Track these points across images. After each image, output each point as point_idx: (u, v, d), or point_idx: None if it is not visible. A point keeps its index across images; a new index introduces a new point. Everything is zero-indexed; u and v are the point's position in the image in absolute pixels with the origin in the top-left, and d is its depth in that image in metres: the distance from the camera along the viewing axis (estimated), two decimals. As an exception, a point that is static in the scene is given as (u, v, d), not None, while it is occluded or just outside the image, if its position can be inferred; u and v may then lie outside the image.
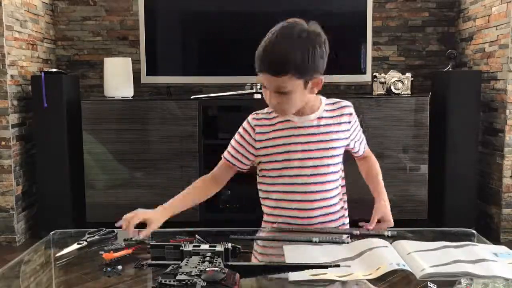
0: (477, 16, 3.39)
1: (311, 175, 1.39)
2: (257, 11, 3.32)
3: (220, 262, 0.95)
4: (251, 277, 1.02)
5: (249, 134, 1.43)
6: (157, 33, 3.35)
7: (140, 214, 1.29)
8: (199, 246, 1.02)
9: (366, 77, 3.30)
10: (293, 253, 1.16)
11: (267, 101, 1.35)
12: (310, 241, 1.24)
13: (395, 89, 3.21)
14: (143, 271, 1.12)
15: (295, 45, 1.24)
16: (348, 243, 1.24)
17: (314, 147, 1.39)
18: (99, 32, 3.72)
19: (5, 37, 2.99)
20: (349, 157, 1.52)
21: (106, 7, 3.71)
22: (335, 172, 1.43)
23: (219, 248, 1.01)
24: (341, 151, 1.44)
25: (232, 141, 1.47)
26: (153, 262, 1.07)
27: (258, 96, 3.15)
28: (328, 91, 3.36)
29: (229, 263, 0.99)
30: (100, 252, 1.19)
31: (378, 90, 3.29)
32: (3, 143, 3.06)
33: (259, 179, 1.48)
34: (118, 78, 3.29)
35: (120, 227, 1.26)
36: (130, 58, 3.38)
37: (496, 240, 3.01)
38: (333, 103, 1.45)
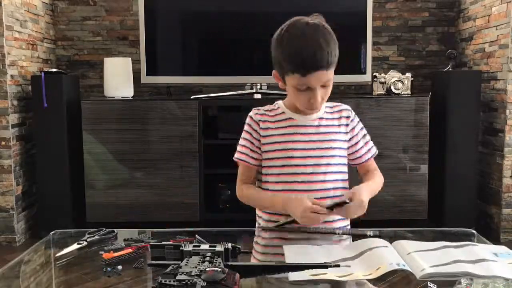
0: (477, 16, 3.39)
1: (311, 173, 1.40)
2: (257, 11, 3.32)
3: (220, 262, 0.95)
4: (251, 277, 1.02)
5: (255, 130, 1.44)
6: (157, 33, 3.34)
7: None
8: (199, 246, 1.02)
9: (366, 77, 3.30)
10: (293, 253, 1.16)
11: (303, 102, 1.34)
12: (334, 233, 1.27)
13: (395, 89, 3.21)
14: (143, 271, 1.12)
15: (330, 37, 1.31)
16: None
17: (314, 146, 1.40)
18: (99, 32, 3.72)
19: (5, 37, 2.99)
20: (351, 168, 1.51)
21: (106, 7, 3.71)
22: (335, 172, 1.43)
23: (219, 248, 1.01)
24: (341, 153, 1.44)
25: (241, 141, 1.47)
26: (153, 262, 1.07)
27: (258, 96, 3.15)
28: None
29: (229, 263, 0.99)
30: (100, 252, 1.19)
31: (378, 90, 3.29)
32: (3, 143, 3.06)
33: (259, 177, 1.48)
34: (118, 78, 3.29)
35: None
36: (130, 58, 3.39)
37: (496, 240, 3.01)
38: (332, 106, 1.47)
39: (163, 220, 3.00)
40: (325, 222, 1.41)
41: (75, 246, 1.26)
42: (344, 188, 1.45)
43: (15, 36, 3.12)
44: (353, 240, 1.30)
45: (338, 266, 1.03)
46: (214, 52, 3.38)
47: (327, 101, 1.45)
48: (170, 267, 0.94)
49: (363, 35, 3.24)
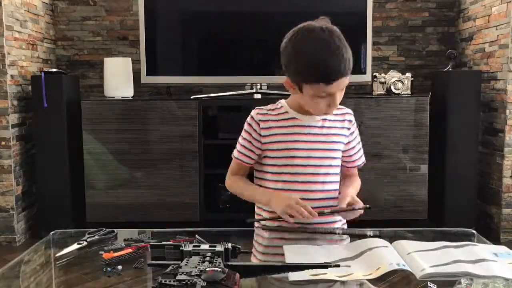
0: (477, 16, 3.39)
1: (312, 174, 1.40)
2: (257, 11, 3.31)
3: (220, 262, 0.95)
4: (251, 277, 1.02)
5: (254, 130, 1.43)
6: (157, 33, 3.34)
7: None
8: (199, 246, 1.02)
9: (366, 77, 3.30)
10: (293, 253, 1.16)
11: (322, 108, 1.34)
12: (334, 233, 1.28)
13: (395, 89, 3.21)
14: (143, 271, 1.12)
15: (345, 43, 1.30)
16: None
17: (316, 146, 1.40)
18: (99, 32, 3.72)
19: (5, 37, 2.99)
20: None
21: (106, 7, 3.71)
22: (335, 174, 1.44)
23: (219, 248, 1.01)
24: (341, 155, 1.46)
25: (240, 139, 1.47)
26: (153, 262, 1.07)
27: (258, 96, 3.15)
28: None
29: (229, 263, 0.99)
30: (100, 252, 1.19)
31: (378, 90, 3.29)
32: (3, 143, 3.06)
33: (259, 175, 1.48)
34: (118, 78, 3.29)
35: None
36: (130, 58, 3.39)
37: (496, 240, 3.01)
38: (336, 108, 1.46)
39: (163, 220, 3.00)
40: (321, 223, 1.41)
41: (75, 246, 1.26)
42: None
43: (15, 36, 3.12)
44: (352, 240, 1.30)
45: (338, 266, 1.03)
46: (214, 52, 3.38)
47: None
48: (170, 267, 0.94)
49: (363, 35, 3.24)
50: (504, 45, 3.05)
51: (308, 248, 1.20)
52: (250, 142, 1.44)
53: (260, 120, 1.43)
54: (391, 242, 1.20)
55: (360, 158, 1.52)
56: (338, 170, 1.45)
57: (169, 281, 0.87)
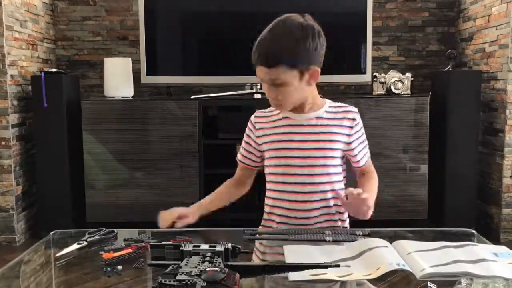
0: (477, 16, 3.39)
1: (308, 174, 1.39)
2: (257, 11, 3.31)
3: (220, 262, 0.95)
4: (251, 277, 1.02)
5: (252, 132, 1.48)
6: (157, 33, 3.35)
7: (175, 211, 1.43)
8: (199, 246, 1.02)
9: (366, 77, 3.30)
10: (293, 253, 1.16)
11: (269, 96, 1.38)
12: (324, 240, 1.24)
13: (395, 89, 3.21)
14: (143, 271, 1.12)
15: (285, 36, 1.28)
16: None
17: (311, 146, 1.39)
18: (99, 32, 3.72)
19: (5, 37, 2.99)
20: (349, 167, 1.50)
21: (106, 7, 3.71)
22: (333, 174, 1.42)
23: (219, 248, 1.01)
24: (339, 154, 1.43)
25: (242, 143, 1.53)
26: (153, 262, 1.07)
27: (258, 96, 3.15)
28: (328, 91, 3.37)
29: (229, 263, 0.99)
30: (100, 252, 1.19)
31: (378, 90, 3.29)
32: (3, 143, 3.06)
33: (265, 177, 1.49)
34: (118, 78, 3.29)
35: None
36: (130, 58, 3.39)
37: (496, 240, 3.01)
38: (338, 106, 1.45)
39: (163, 220, 2.99)
40: (323, 222, 1.40)
41: (75, 246, 1.26)
42: (341, 189, 1.43)
43: (15, 36, 3.12)
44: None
45: (338, 266, 1.03)
46: (214, 52, 3.38)
47: (334, 101, 1.46)
48: (170, 267, 0.94)
49: (363, 35, 3.23)
50: (504, 45, 3.05)
51: (308, 248, 1.20)
52: (248, 144, 1.50)
53: (256, 123, 1.48)
54: (391, 242, 1.20)
55: (362, 159, 1.47)
56: (337, 170, 1.43)
57: (169, 281, 0.87)
